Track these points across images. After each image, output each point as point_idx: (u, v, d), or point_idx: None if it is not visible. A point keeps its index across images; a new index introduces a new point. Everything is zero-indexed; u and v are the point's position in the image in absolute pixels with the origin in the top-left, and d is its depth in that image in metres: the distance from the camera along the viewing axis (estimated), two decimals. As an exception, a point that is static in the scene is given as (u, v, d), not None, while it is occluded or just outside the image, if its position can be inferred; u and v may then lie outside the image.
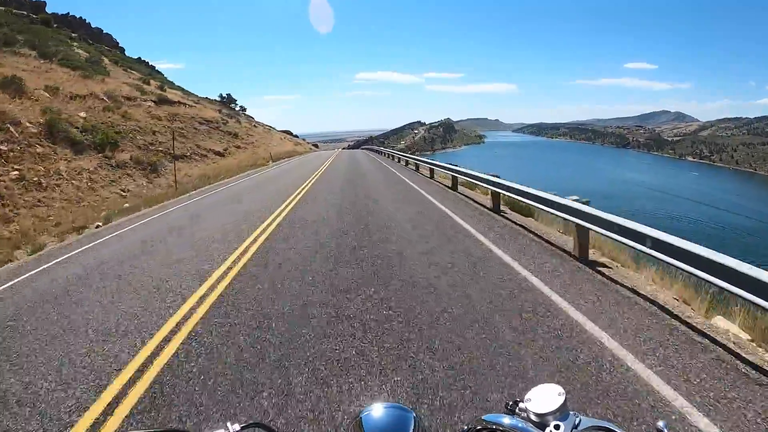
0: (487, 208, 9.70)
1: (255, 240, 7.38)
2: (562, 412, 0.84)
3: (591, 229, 5.51)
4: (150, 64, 62.96)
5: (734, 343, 3.50)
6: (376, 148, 56.73)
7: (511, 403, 0.95)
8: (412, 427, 0.91)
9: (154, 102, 29.93)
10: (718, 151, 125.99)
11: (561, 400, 0.85)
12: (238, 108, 56.92)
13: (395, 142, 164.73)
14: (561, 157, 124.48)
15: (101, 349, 3.73)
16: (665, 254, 4.14)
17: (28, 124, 16.24)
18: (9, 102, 17.27)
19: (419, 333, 3.69)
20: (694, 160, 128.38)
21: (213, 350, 3.57)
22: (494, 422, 0.91)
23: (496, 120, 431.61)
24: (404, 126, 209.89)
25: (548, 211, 6.85)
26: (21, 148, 14.89)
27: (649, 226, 4.56)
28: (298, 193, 13.04)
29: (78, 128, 18.59)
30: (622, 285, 4.77)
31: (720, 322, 4.02)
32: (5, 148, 14.25)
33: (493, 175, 9.89)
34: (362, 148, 65.64)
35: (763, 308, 3.15)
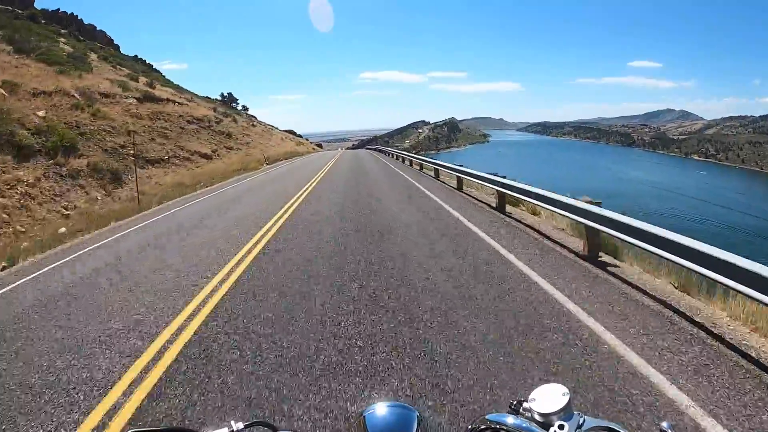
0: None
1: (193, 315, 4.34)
2: (566, 412, 0.84)
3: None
4: (148, 62, 59.94)
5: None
6: (381, 148, 55.02)
7: (515, 402, 0.94)
8: (415, 426, 0.90)
9: (137, 99, 27.23)
10: (724, 149, 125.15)
11: (565, 400, 0.84)
12: (239, 107, 55.31)
13: (399, 142, 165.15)
14: (566, 156, 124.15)
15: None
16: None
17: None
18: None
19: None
20: (700, 158, 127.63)
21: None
22: (498, 422, 0.91)
23: (501, 119, 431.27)
24: (408, 125, 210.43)
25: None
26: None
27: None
28: (285, 211, 9.93)
29: (30, 130, 15.56)
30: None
31: None
32: None
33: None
34: (366, 148, 65.14)
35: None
